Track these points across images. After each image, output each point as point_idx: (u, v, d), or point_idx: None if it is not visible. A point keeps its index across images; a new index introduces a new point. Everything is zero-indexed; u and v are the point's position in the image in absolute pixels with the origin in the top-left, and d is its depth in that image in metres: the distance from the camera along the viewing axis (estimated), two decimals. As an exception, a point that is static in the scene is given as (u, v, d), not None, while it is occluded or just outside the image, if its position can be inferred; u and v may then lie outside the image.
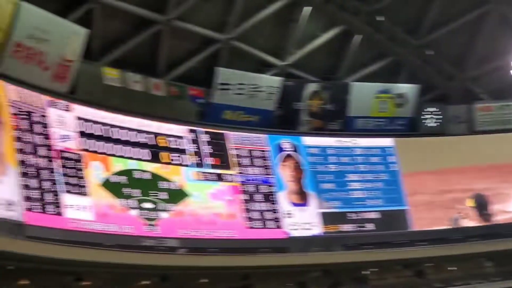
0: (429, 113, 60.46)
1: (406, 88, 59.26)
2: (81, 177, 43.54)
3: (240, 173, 51.84)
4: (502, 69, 60.43)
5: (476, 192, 58.13)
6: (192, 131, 50.53)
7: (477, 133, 60.88)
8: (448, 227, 57.29)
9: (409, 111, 59.60)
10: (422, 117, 60.22)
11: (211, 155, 50.83)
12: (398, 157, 58.10)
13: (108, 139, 45.95)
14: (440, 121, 60.56)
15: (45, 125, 42.62)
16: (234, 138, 52.38)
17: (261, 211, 51.80)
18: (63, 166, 42.64)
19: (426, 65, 59.96)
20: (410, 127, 59.97)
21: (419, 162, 57.82)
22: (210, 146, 50.95)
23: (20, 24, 40.93)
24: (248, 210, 51.18)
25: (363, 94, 57.74)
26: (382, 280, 54.81)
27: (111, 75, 47.93)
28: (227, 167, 51.39)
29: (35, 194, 40.55)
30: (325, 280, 52.45)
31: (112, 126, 46.45)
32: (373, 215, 55.84)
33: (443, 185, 57.64)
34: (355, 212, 55.41)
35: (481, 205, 58.05)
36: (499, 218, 58.52)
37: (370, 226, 55.45)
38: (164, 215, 46.89)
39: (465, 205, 58.03)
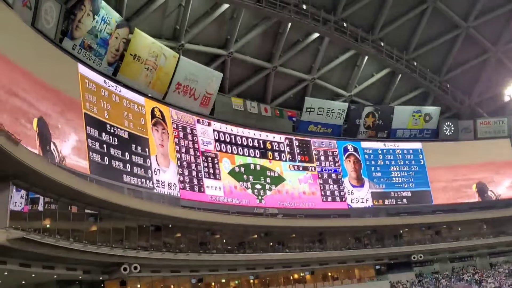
0: (447, 126, 57.57)
1: (432, 110, 56.42)
2: (216, 168, 43.41)
3: (319, 165, 50.64)
4: (496, 97, 58.51)
5: (478, 180, 55.43)
6: (288, 138, 49.67)
7: (479, 139, 57.52)
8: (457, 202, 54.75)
9: (433, 125, 56.62)
10: (442, 128, 57.26)
11: (300, 154, 49.85)
12: (425, 156, 55.68)
13: (234, 144, 45.60)
14: (454, 131, 57.50)
15: (194, 135, 42.69)
16: (315, 143, 51.27)
17: (332, 190, 50.65)
18: (205, 161, 42.69)
19: (445, 94, 56.91)
20: (434, 136, 57.07)
21: (439, 159, 55.39)
22: (299, 148, 50.01)
23: (180, 70, 41.10)
24: (323, 189, 50.11)
25: (402, 114, 55.17)
26: (412, 237, 52.29)
27: (236, 102, 47.31)
28: (310, 161, 50.26)
29: (187, 179, 40.79)
30: (374, 236, 50.61)
31: (236, 135, 46.06)
32: (407, 194, 53.71)
33: (454, 176, 55.07)
34: (395, 191, 53.41)
35: (481, 189, 55.46)
36: (492, 196, 55.71)
37: (404, 201, 53.36)
38: (268, 192, 46.35)
39: (470, 189, 55.62)
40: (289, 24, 45.35)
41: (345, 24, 47.56)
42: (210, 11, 42.13)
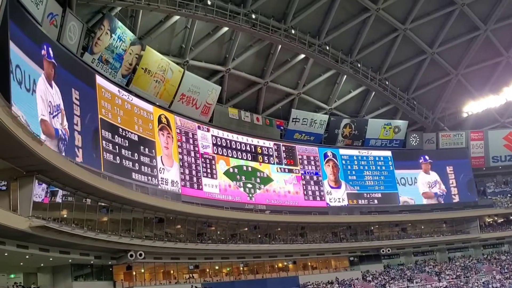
0: (413, 137, 57.60)
1: (400, 123, 56.44)
2: (213, 169, 43.25)
3: (302, 168, 50.56)
4: (456, 114, 59.12)
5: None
6: (276, 144, 49.57)
7: (441, 150, 57.73)
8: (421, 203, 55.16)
9: (401, 136, 56.65)
10: (409, 139, 57.32)
11: (286, 158, 49.74)
12: (394, 162, 55.68)
13: (229, 148, 45.45)
14: (419, 142, 57.62)
15: (194, 139, 42.55)
16: (299, 149, 51.13)
17: (313, 190, 50.54)
18: (203, 162, 42.54)
19: (412, 110, 56.86)
20: (402, 145, 57.09)
21: (406, 165, 55.74)
22: (285, 153, 49.89)
23: (184, 83, 41.08)
24: (305, 190, 50.00)
25: (375, 126, 55.20)
26: (382, 232, 52.58)
27: (232, 112, 47.16)
28: (295, 165, 50.16)
29: (187, 177, 40.62)
30: (348, 231, 50.84)
31: (231, 140, 45.93)
32: (377, 195, 53.68)
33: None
34: (367, 193, 53.37)
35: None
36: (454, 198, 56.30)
37: (375, 201, 53.33)
38: (258, 191, 46.20)
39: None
40: (279, 46, 45.39)
41: (327, 48, 47.53)
42: (211, 33, 42.16)
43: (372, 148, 55.52)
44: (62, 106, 28.57)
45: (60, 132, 27.83)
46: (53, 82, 27.92)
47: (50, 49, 27.80)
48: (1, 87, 21.47)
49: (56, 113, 27.81)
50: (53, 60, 27.84)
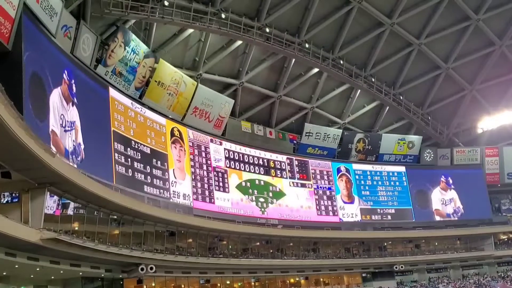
0: (427, 153, 56.86)
1: (414, 138, 55.75)
2: (225, 182, 42.84)
3: (315, 183, 49.95)
4: (471, 130, 58.21)
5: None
6: (289, 158, 49.02)
7: (455, 166, 56.82)
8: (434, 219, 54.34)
9: (416, 151, 55.92)
10: (423, 155, 56.54)
11: (299, 172, 49.22)
12: (407, 178, 54.94)
13: (241, 162, 45.03)
14: (433, 157, 56.89)
15: (207, 153, 42.20)
16: (312, 163, 50.59)
17: (326, 205, 49.89)
18: (216, 176, 42.17)
19: (427, 125, 56.04)
20: (416, 161, 56.33)
21: (420, 181, 54.97)
22: (298, 168, 49.36)
23: (197, 96, 40.84)
24: (318, 204, 49.35)
25: (389, 141, 54.51)
26: (395, 249, 51.80)
27: (245, 125, 46.80)
28: (308, 179, 49.59)
29: (199, 191, 40.24)
30: (361, 247, 50.11)
31: (244, 154, 45.53)
32: (391, 211, 52.90)
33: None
34: (381, 208, 52.60)
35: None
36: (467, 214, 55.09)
37: (389, 217, 52.54)
38: (270, 205, 45.66)
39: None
40: (293, 59, 45.14)
41: (341, 62, 47.23)
42: (225, 46, 42.06)
43: (386, 163, 54.85)
44: (78, 124, 28.50)
45: (68, 147, 27.58)
46: (72, 100, 27.92)
47: (69, 70, 27.85)
48: (14, 98, 21.31)
49: (70, 128, 27.66)
50: (73, 82, 27.84)
